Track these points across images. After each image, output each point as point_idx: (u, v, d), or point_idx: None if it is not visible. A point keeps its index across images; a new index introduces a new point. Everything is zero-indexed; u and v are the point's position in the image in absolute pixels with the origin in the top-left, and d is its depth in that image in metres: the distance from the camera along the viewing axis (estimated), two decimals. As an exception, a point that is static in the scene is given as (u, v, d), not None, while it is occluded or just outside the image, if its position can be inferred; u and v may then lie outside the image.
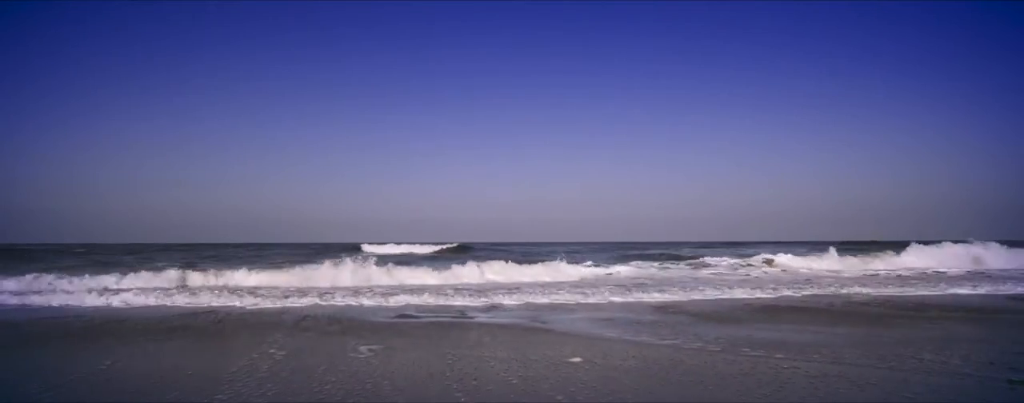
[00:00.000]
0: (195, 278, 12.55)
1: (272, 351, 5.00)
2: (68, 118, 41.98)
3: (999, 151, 42.16)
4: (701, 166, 49.27)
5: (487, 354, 4.88)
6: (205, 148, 45.42)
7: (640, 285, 11.79)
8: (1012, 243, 20.65)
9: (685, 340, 5.60)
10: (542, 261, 16.25)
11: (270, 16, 40.51)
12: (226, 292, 10.31)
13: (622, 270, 17.29)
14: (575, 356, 4.78)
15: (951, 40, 39.30)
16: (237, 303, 8.97)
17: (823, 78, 42.17)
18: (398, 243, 28.83)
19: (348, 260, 13.67)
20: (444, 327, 6.55)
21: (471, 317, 7.40)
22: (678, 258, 22.35)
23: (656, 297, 9.80)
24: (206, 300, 9.29)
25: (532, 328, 6.45)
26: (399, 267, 13.87)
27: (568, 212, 56.16)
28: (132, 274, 12.29)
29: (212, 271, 13.05)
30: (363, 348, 5.15)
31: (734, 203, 50.08)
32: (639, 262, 20.63)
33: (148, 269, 13.05)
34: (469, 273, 14.04)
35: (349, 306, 8.63)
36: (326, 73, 43.30)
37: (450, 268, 14.34)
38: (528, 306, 8.67)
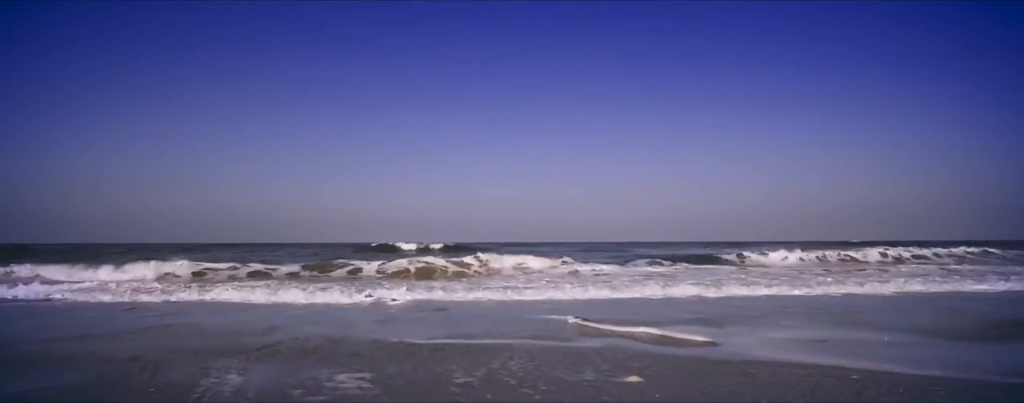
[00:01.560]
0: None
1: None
2: (68, 118, 40.81)
3: (999, 151, 41.57)
4: (701, 166, 48.92)
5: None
6: (205, 148, 45.48)
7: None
8: (1013, 243, 20.04)
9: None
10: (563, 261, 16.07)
11: (271, 15, 40.23)
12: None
13: (684, 265, 16.59)
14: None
15: (951, 40, 38.45)
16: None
17: (823, 78, 41.80)
18: (417, 242, 28.40)
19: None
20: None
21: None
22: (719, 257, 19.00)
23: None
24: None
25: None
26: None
27: (567, 212, 55.78)
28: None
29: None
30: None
31: (734, 203, 49.88)
32: (711, 264, 18.08)
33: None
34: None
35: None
36: (326, 73, 42.94)
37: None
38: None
